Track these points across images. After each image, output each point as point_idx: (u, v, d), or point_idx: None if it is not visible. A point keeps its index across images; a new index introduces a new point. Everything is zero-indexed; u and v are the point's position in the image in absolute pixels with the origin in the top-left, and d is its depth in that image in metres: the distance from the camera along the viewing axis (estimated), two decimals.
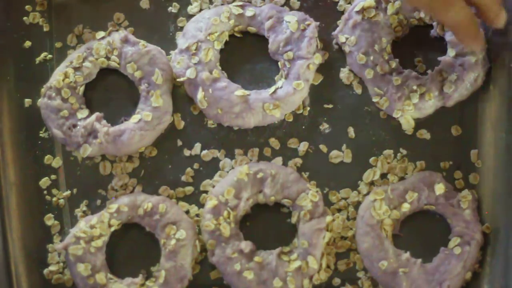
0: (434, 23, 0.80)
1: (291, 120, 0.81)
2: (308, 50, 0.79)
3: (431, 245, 0.78)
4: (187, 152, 0.81)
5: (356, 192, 0.80)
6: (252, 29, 0.82)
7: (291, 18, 0.80)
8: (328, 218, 0.78)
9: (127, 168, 0.81)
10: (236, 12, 0.81)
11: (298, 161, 0.81)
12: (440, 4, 0.69)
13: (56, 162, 0.82)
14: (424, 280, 0.76)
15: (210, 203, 0.78)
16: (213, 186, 0.80)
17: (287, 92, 0.79)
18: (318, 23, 0.80)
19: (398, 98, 0.79)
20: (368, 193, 0.79)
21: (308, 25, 0.80)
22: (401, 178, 0.80)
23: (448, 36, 0.79)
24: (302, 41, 0.80)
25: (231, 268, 0.77)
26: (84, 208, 0.81)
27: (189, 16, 0.83)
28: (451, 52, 0.79)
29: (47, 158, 0.82)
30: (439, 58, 0.79)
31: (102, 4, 0.84)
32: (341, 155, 0.80)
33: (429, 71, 0.80)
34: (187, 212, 0.80)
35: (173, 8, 0.83)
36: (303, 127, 0.81)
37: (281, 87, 0.80)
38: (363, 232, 0.77)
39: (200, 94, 0.80)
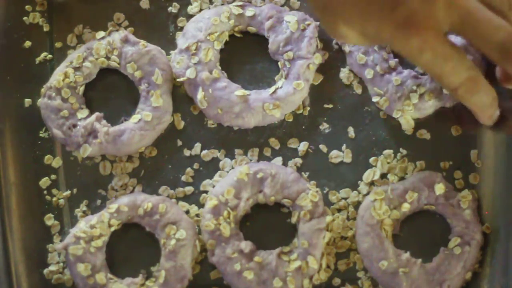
0: None
1: (291, 120, 0.81)
2: (308, 50, 0.79)
3: (431, 245, 0.78)
4: (187, 152, 0.81)
5: (356, 192, 0.80)
6: (252, 29, 0.82)
7: (291, 18, 0.80)
8: (328, 218, 0.78)
9: (127, 168, 0.81)
10: (236, 12, 0.81)
11: (298, 161, 0.81)
12: (466, 90, 0.68)
13: (56, 162, 0.82)
14: (424, 280, 0.76)
15: (210, 203, 0.78)
16: (213, 186, 0.80)
17: (287, 92, 0.79)
18: (318, 23, 0.80)
19: (398, 98, 0.79)
20: (368, 193, 0.79)
21: (308, 25, 0.80)
22: (401, 178, 0.80)
23: None
24: (302, 41, 0.80)
25: (231, 268, 0.77)
26: (84, 208, 0.81)
27: (189, 16, 0.83)
28: None
29: (47, 158, 0.82)
30: None
31: (102, 4, 0.84)
32: (341, 155, 0.80)
33: None
34: (187, 212, 0.80)
35: (173, 8, 0.83)
36: (303, 127, 0.81)
37: (281, 87, 0.80)
38: (363, 232, 0.78)
39: (200, 94, 0.80)
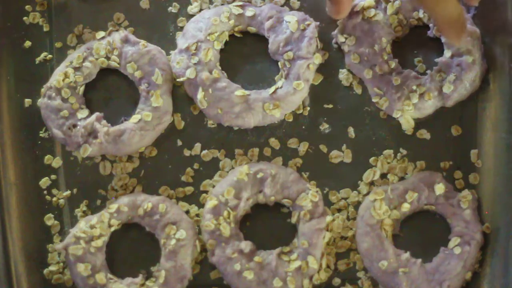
0: (431, 24, 0.80)
1: (291, 120, 0.81)
2: (308, 50, 0.79)
3: (431, 245, 0.78)
4: (187, 152, 0.81)
5: (356, 192, 0.80)
6: (252, 29, 0.82)
7: (291, 18, 0.80)
8: (328, 218, 0.78)
9: (127, 168, 0.81)
10: (236, 12, 0.81)
11: (298, 161, 0.81)
12: None
13: (56, 162, 0.82)
14: (424, 280, 0.76)
15: (210, 203, 0.78)
16: (213, 186, 0.80)
17: (287, 92, 0.79)
18: (318, 23, 0.80)
19: (398, 98, 0.79)
20: (368, 193, 0.79)
21: (308, 25, 0.80)
22: (401, 178, 0.80)
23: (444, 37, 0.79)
24: (302, 41, 0.80)
25: (231, 268, 0.77)
26: (84, 208, 0.81)
27: (189, 16, 0.83)
28: (447, 53, 0.79)
29: (47, 158, 0.82)
30: (436, 60, 0.79)
31: (102, 4, 0.84)
32: (341, 155, 0.80)
33: (428, 71, 0.80)
34: (187, 212, 0.80)
35: (173, 8, 0.83)
36: (303, 127, 0.81)
37: (281, 87, 0.80)
38: (363, 232, 0.78)
39: (200, 94, 0.80)
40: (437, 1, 0.69)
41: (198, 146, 0.81)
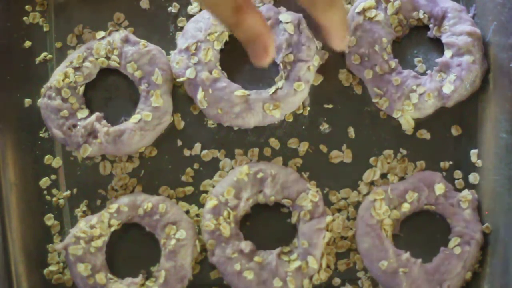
0: (431, 25, 0.80)
1: (291, 120, 0.81)
2: (307, 53, 0.79)
3: (431, 245, 0.78)
4: (187, 152, 0.81)
5: (356, 192, 0.80)
6: None
7: (286, 18, 0.79)
8: (328, 218, 0.78)
9: (127, 168, 0.81)
10: None
11: (298, 161, 0.81)
12: (323, 2, 0.69)
13: (56, 162, 0.82)
14: (424, 280, 0.76)
15: (210, 203, 0.78)
16: (213, 186, 0.80)
17: (288, 93, 0.79)
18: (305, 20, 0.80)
19: (398, 98, 0.79)
20: (368, 193, 0.79)
21: (303, 29, 0.79)
22: (401, 178, 0.80)
23: (445, 38, 0.79)
24: (301, 43, 0.79)
25: (231, 268, 0.77)
26: (84, 208, 0.81)
27: (189, 16, 0.83)
28: (447, 53, 0.79)
29: (47, 158, 0.82)
30: (436, 60, 0.79)
31: (102, 4, 0.84)
32: (341, 155, 0.80)
33: (428, 71, 0.80)
34: (187, 212, 0.80)
35: (173, 8, 0.83)
36: (303, 127, 0.81)
37: (281, 88, 0.80)
38: (363, 232, 0.78)
39: (200, 94, 0.80)
40: (330, 5, 0.69)
41: (198, 146, 0.81)
